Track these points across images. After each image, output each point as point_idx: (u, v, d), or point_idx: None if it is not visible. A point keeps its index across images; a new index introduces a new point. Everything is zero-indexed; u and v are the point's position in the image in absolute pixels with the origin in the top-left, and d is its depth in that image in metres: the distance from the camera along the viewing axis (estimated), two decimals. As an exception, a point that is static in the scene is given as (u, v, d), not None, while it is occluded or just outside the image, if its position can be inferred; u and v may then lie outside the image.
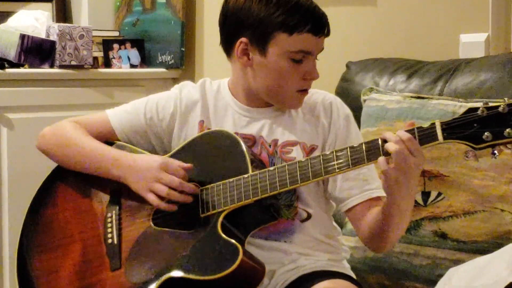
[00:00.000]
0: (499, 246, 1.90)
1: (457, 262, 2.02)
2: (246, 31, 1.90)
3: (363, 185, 1.92)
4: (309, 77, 1.92)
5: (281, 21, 1.86)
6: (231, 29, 1.94)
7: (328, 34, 1.92)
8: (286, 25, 1.86)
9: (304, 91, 1.94)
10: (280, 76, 1.90)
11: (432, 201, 2.14)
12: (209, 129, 1.98)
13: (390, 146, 1.66)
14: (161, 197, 1.85)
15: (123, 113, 2.06)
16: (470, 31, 2.50)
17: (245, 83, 1.97)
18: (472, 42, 2.48)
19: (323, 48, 1.94)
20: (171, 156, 1.95)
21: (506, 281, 1.54)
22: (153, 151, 2.03)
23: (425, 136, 1.66)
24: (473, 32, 2.49)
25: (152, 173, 1.87)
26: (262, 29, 1.88)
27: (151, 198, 1.86)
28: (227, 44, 1.96)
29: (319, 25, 1.89)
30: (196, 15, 3.31)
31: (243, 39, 1.91)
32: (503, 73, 2.21)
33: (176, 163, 1.88)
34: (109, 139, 2.03)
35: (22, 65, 2.96)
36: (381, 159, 1.68)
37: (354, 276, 2.00)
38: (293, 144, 1.94)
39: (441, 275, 1.79)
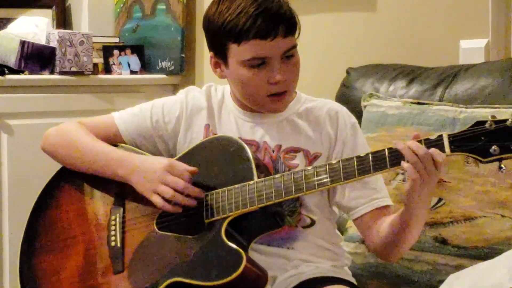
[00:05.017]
0: (500, 252, 1.90)
1: (458, 268, 2.01)
2: (211, 45, 1.91)
3: (372, 194, 1.91)
4: (272, 81, 1.85)
5: (228, 31, 1.82)
6: (206, 42, 1.95)
7: (289, 31, 1.83)
8: (232, 35, 1.82)
9: (278, 95, 1.88)
10: (244, 84, 1.88)
11: (432, 206, 2.13)
12: (214, 133, 1.98)
13: (405, 163, 1.65)
14: (166, 199, 1.85)
15: (129, 116, 2.05)
16: (470, 37, 2.50)
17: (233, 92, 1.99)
18: (472, 48, 2.48)
19: (294, 46, 1.85)
20: (177, 160, 1.93)
21: (506, 287, 1.54)
22: (158, 154, 2.02)
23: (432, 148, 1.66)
24: (473, 38, 2.49)
25: (157, 175, 1.86)
26: (218, 42, 1.87)
27: (156, 199, 1.85)
28: None
29: (266, 29, 1.80)
30: (196, 21, 3.31)
31: (211, 53, 1.92)
32: (503, 79, 2.21)
33: (182, 166, 1.87)
34: (114, 141, 2.02)
35: (22, 72, 2.97)
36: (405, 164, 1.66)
37: (355, 282, 2.00)
38: (296, 150, 1.93)
39: (441, 281, 1.79)
